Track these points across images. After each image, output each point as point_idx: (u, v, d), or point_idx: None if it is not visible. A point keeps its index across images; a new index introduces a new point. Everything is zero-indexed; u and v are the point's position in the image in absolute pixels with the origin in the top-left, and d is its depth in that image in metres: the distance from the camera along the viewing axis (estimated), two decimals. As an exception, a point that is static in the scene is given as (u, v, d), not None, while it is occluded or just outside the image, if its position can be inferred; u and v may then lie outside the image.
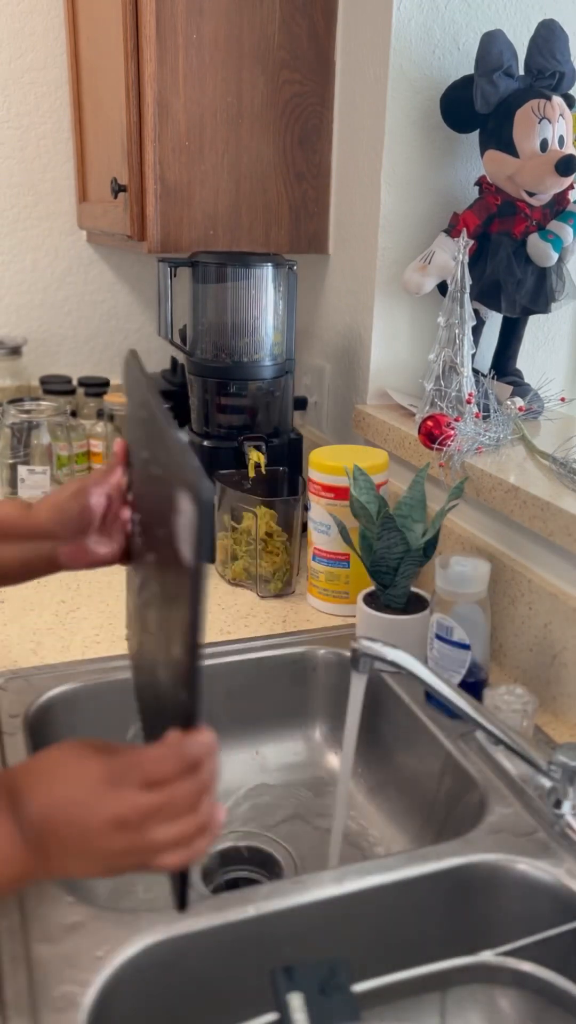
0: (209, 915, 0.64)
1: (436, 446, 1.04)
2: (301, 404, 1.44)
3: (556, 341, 1.37)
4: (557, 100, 1.08)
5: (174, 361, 1.61)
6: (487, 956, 0.64)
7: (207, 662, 0.98)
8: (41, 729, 0.90)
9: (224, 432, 1.25)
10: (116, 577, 1.15)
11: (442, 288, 1.17)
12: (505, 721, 0.81)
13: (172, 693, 0.51)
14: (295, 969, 0.53)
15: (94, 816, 0.49)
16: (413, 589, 1.00)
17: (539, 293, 1.15)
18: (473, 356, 1.12)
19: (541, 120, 1.07)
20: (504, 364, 1.25)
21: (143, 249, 1.31)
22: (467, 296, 1.08)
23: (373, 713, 0.98)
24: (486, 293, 1.15)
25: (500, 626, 0.99)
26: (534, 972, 0.64)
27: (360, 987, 0.57)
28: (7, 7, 1.55)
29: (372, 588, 1.01)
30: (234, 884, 0.88)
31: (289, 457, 1.27)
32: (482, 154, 1.14)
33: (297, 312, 1.30)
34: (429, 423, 1.05)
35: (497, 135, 1.10)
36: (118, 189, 1.29)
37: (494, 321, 1.25)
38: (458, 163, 1.23)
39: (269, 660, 1.01)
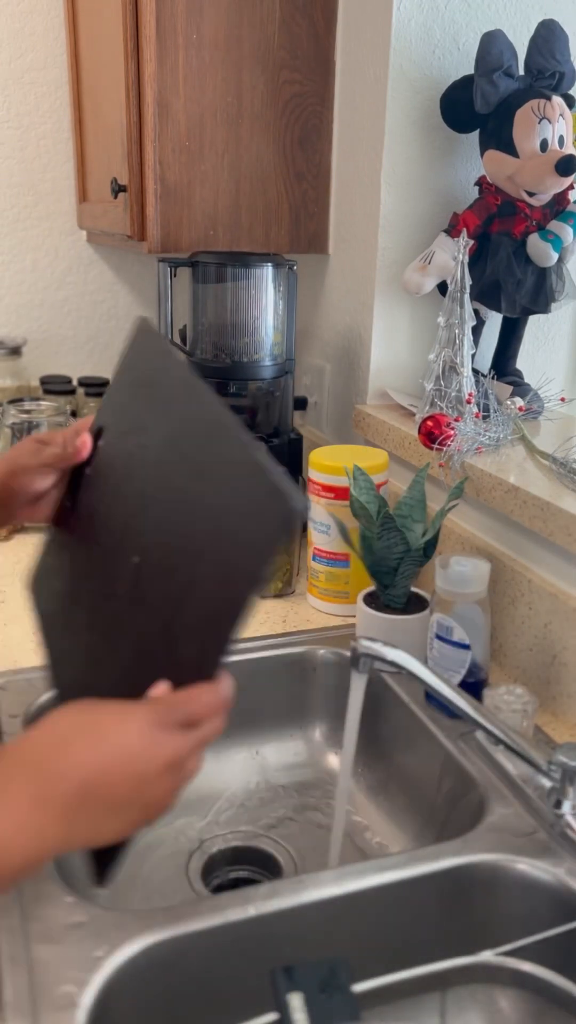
0: (209, 915, 0.64)
1: (436, 446, 1.04)
2: (301, 404, 1.44)
3: (556, 341, 1.37)
4: (557, 100, 1.08)
5: (174, 361, 1.61)
6: (487, 956, 0.64)
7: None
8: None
9: (224, 432, 1.25)
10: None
11: (442, 288, 1.17)
12: (505, 721, 0.81)
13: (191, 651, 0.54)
14: (295, 969, 0.53)
15: (153, 762, 0.49)
16: (413, 589, 1.00)
17: (539, 293, 1.15)
18: (473, 356, 1.12)
19: (541, 120, 1.07)
20: (504, 364, 1.25)
21: (143, 249, 1.31)
22: (467, 296, 1.08)
23: (373, 713, 0.98)
24: (486, 293, 1.15)
25: (500, 626, 0.99)
26: (534, 972, 0.64)
27: (360, 987, 0.57)
28: (7, 7, 1.55)
29: (372, 588, 1.01)
30: (234, 884, 0.88)
31: (289, 457, 1.27)
32: (482, 154, 1.14)
33: (297, 312, 1.30)
34: (429, 423, 1.05)
35: (497, 135, 1.10)
36: (118, 189, 1.29)
37: (494, 321, 1.25)
38: (458, 163, 1.23)
39: (269, 660, 1.01)
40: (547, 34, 1.08)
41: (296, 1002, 0.52)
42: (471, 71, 1.09)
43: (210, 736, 0.52)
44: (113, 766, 0.48)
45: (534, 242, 1.12)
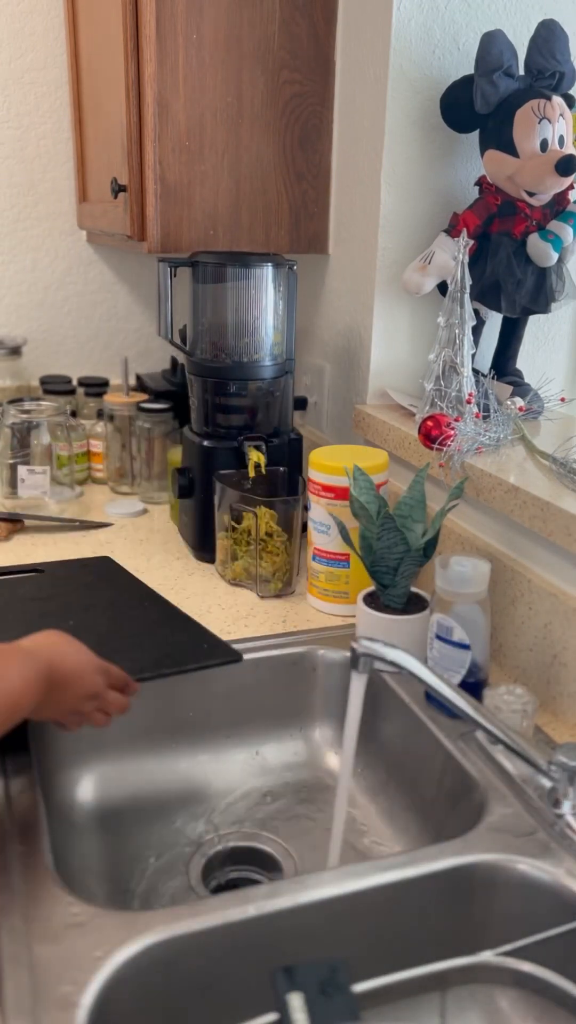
0: (209, 915, 0.64)
1: (436, 446, 1.04)
2: (301, 404, 1.44)
3: (556, 341, 1.37)
4: (557, 100, 1.08)
5: (174, 361, 1.61)
6: (487, 956, 0.64)
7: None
8: (41, 729, 0.90)
9: (224, 432, 1.25)
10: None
11: (442, 288, 1.17)
12: (505, 721, 0.81)
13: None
14: (295, 969, 0.53)
15: (86, 687, 0.75)
16: (413, 589, 1.00)
17: (539, 293, 1.15)
18: (473, 356, 1.12)
19: (541, 120, 1.07)
20: (504, 364, 1.25)
21: (143, 249, 1.31)
22: (467, 296, 1.08)
23: (373, 713, 0.98)
24: (486, 293, 1.15)
25: (500, 626, 0.99)
26: (534, 972, 0.64)
27: (360, 987, 0.57)
28: (7, 7, 1.55)
29: (372, 588, 1.01)
30: (234, 884, 0.88)
31: (289, 457, 1.27)
32: (482, 154, 1.14)
33: (297, 312, 1.30)
34: (429, 423, 1.05)
35: (497, 135, 1.10)
36: (118, 189, 1.29)
37: (494, 321, 1.25)
38: (458, 163, 1.23)
39: (269, 660, 1.01)
40: (547, 34, 1.08)
41: (296, 1002, 0.52)
42: (471, 71, 1.09)
43: (114, 704, 0.80)
44: (81, 675, 0.75)
45: (534, 242, 1.12)
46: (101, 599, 1.05)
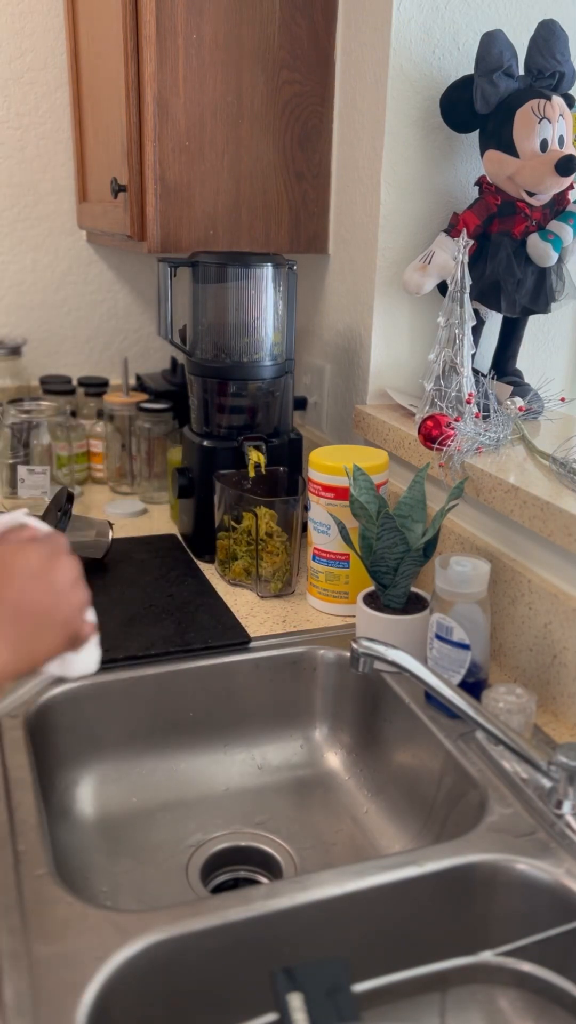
0: (209, 915, 0.64)
1: (436, 446, 1.04)
2: (301, 404, 1.44)
3: (556, 341, 1.37)
4: (557, 100, 1.08)
5: (174, 361, 1.61)
6: (487, 956, 0.64)
7: (206, 663, 0.98)
8: (41, 729, 0.90)
9: (224, 432, 1.25)
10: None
11: (442, 288, 1.17)
12: (505, 721, 0.81)
13: None
14: (295, 969, 0.53)
15: (62, 577, 0.59)
16: (413, 589, 1.00)
17: (539, 293, 1.15)
18: (473, 356, 1.12)
19: (541, 120, 1.07)
20: (504, 364, 1.25)
21: (143, 249, 1.31)
22: (467, 296, 1.08)
23: (373, 713, 0.98)
24: (486, 293, 1.15)
25: (500, 626, 0.99)
26: (534, 972, 0.64)
27: (360, 987, 0.57)
28: (7, 7, 1.55)
29: (372, 588, 1.01)
30: (234, 884, 0.88)
31: (289, 457, 1.26)
32: (482, 154, 1.14)
33: (297, 312, 1.30)
34: (429, 423, 1.05)
35: (497, 135, 1.10)
36: (118, 189, 1.29)
37: (494, 321, 1.25)
38: (458, 163, 1.23)
39: (269, 660, 1.01)
40: (547, 34, 1.08)
41: (296, 1002, 0.52)
42: (471, 71, 1.09)
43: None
44: (28, 583, 0.58)
45: (534, 242, 1.12)
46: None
